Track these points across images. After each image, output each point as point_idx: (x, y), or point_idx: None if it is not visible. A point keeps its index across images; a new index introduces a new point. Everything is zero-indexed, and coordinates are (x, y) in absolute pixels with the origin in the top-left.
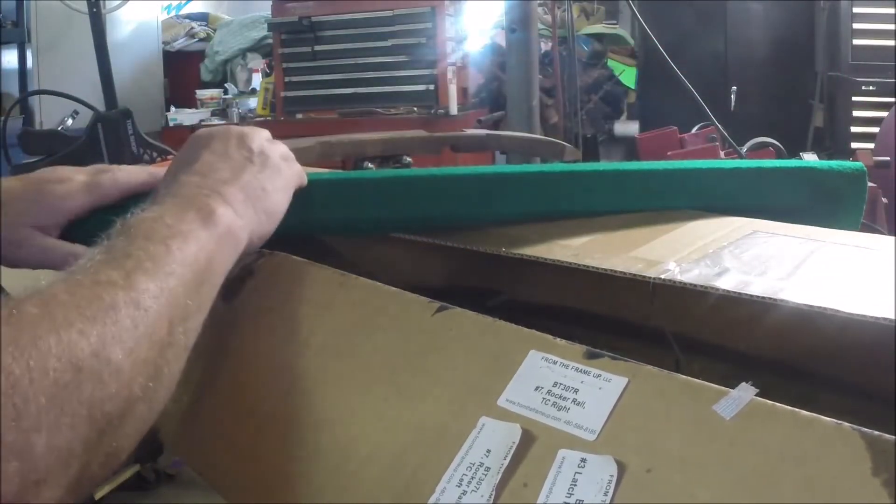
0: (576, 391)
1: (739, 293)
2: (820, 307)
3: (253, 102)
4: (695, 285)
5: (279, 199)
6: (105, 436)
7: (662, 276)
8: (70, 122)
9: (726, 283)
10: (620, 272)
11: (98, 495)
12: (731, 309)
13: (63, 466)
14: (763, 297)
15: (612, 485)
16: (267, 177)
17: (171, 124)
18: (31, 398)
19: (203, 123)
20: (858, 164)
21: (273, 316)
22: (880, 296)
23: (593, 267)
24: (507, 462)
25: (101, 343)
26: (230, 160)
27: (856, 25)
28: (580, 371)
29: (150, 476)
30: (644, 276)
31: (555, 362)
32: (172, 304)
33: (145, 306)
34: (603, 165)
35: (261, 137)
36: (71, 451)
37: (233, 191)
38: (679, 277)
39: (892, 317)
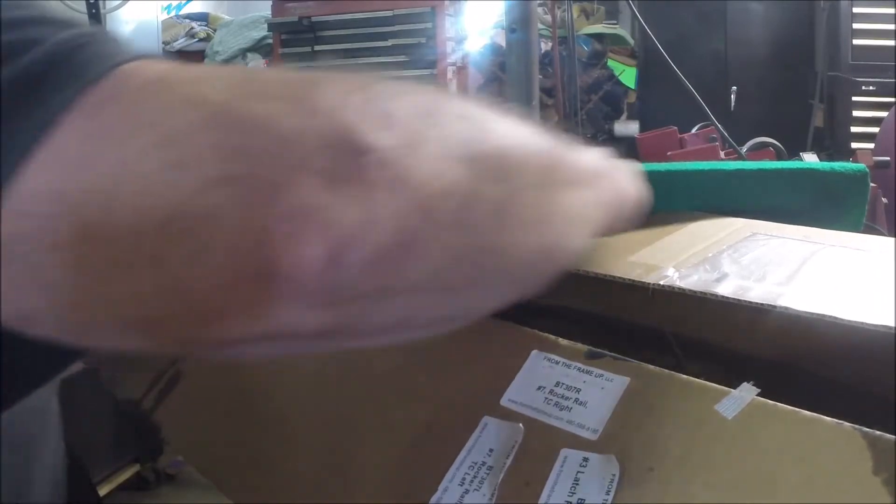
0: (578, 391)
1: (739, 300)
2: (818, 314)
3: None
4: (694, 291)
5: None
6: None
7: (661, 283)
8: None
9: (725, 289)
10: (619, 278)
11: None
12: (730, 314)
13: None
14: (762, 304)
15: (614, 484)
16: None
17: None
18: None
19: None
20: (860, 165)
21: None
22: (880, 301)
23: (592, 272)
24: (509, 461)
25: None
26: None
27: (856, 25)
28: (582, 371)
29: (150, 476)
30: (643, 283)
31: (557, 362)
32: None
33: None
34: None
35: None
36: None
37: None
38: (678, 283)
39: (892, 325)
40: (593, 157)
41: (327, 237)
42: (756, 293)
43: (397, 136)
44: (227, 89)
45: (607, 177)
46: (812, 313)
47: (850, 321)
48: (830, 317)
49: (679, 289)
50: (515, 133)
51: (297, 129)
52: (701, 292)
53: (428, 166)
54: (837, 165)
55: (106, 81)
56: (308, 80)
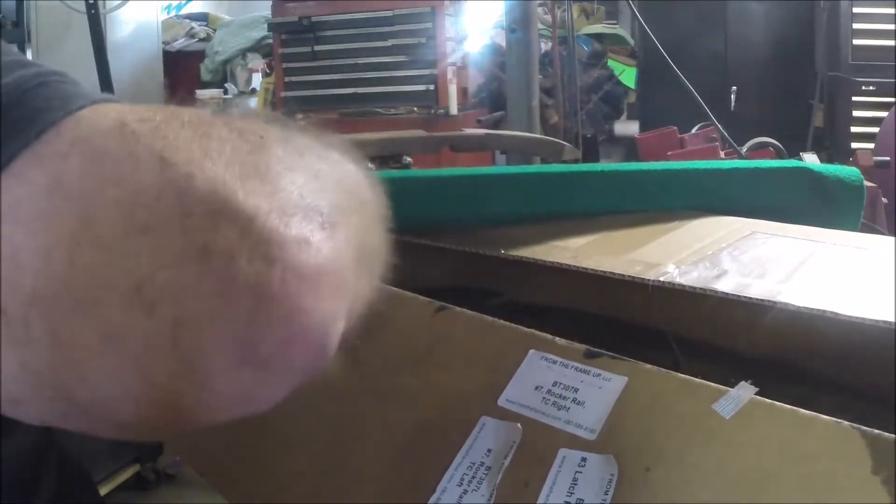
0: (576, 390)
1: (738, 296)
2: (819, 310)
3: (253, 102)
4: (694, 288)
5: None
6: None
7: (661, 279)
8: None
9: (725, 286)
10: (619, 274)
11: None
12: (730, 311)
13: None
14: (762, 300)
15: (612, 484)
16: None
17: None
18: None
19: None
20: (856, 172)
21: None
22: (879, 298)
23: (592, 269)
24: (507, 461)
25: None
26: None
27: (856, 25)
28: (580, 370)
29: (150, 476)
30: (643, 279)
31: (554, 362)
32: None
33: None
34: (602, 166)
35: None
36: None
37: None
38: (678, 280)
39: (892, 320)
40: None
41: (324, 303)
42: (756, 290)
43: (334, 195)
44: (188, 146)
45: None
46: (812, 309)
47: (849, 317)
48: (831, 312)
49: (679, 285)
50: (349, 168)
51: (254, 207)
52: (701, 289)
53: (357, 220)
54: (833, 168)
55: (63, 127)
56: (252, 140)
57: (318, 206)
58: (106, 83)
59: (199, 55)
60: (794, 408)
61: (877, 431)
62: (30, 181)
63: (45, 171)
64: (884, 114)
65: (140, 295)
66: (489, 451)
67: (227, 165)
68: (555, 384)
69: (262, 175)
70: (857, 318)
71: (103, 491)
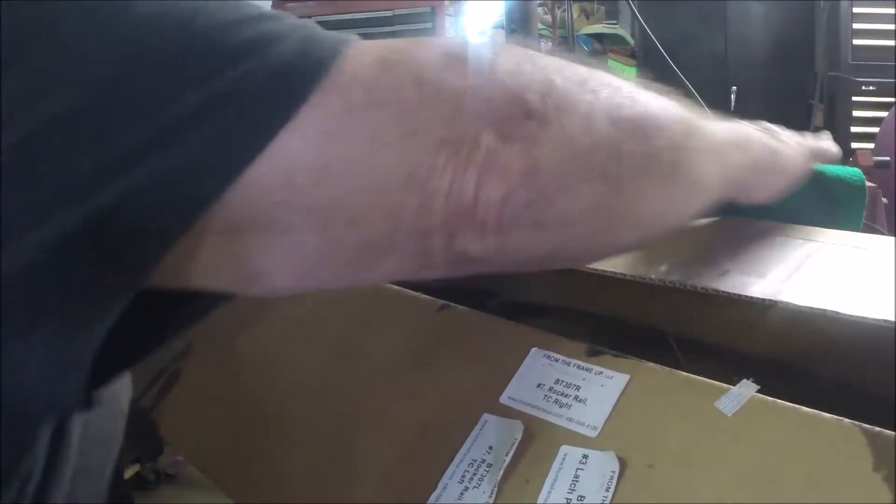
0: (577, 388)
1: (740, 295)
2: (820, 309)
3: None
4: (695, 287)
5: None
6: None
7: (662, 278)
8: None
9: (727, 285)
10: (620, 274)
11: None
12: (731, 310)
13: None
14: (763, 299)
15: (614, 481)
16: None
17: None
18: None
19: None
20: (858, 172)
21: (276, 315)
22: (881, 298)
23: (592, 269)
24: (509, 458)
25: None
26: None
27: (856, 25)
28: (582, 368)
29: (150, 476)
30: (643, 278)
31: (556, 360)
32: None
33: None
34: None
35: None
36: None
37: None
38: (679, 279)
39: (893, 319)
40: (732, 128)
41: (503, 181)
42: (758, 289)
43: (556, 100)
44: (434, 67)
45: (745, 147)
46: (814, 308)
47: (851, 316)
48: (832, 311)
49: (680, 284)
50: (658, 102)
51: (484, 98)
52: (702, 288)
53: (581, 124)
54: (835, 169)
55: (342, 66)
56: (490, 57)
57: (554, 104)
58: None
59: None
60: (796, 405)
61: (878, 429)
62: (327, 108)
63: (337, 100)
64: (884, 114)
65: (412, 179)
66: (491, 448)
67: (465, 79)
68: (557, 382)
69: (502, 79)
70: (858, 317)
71: None
